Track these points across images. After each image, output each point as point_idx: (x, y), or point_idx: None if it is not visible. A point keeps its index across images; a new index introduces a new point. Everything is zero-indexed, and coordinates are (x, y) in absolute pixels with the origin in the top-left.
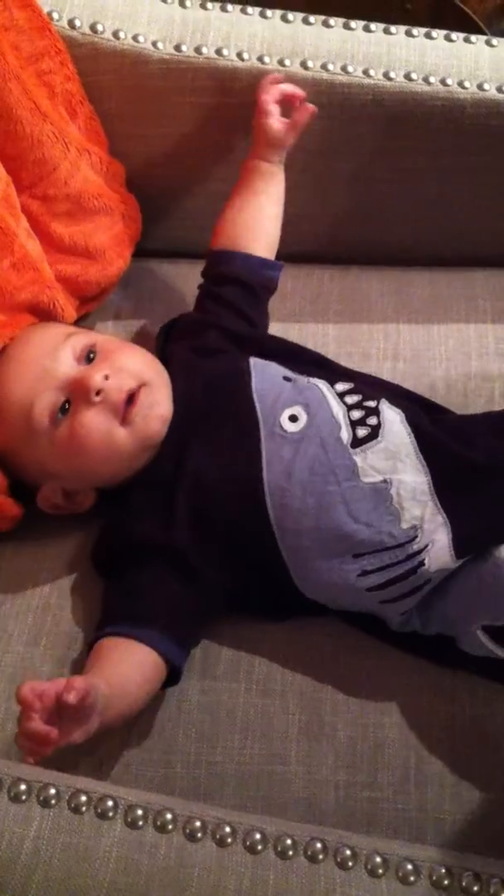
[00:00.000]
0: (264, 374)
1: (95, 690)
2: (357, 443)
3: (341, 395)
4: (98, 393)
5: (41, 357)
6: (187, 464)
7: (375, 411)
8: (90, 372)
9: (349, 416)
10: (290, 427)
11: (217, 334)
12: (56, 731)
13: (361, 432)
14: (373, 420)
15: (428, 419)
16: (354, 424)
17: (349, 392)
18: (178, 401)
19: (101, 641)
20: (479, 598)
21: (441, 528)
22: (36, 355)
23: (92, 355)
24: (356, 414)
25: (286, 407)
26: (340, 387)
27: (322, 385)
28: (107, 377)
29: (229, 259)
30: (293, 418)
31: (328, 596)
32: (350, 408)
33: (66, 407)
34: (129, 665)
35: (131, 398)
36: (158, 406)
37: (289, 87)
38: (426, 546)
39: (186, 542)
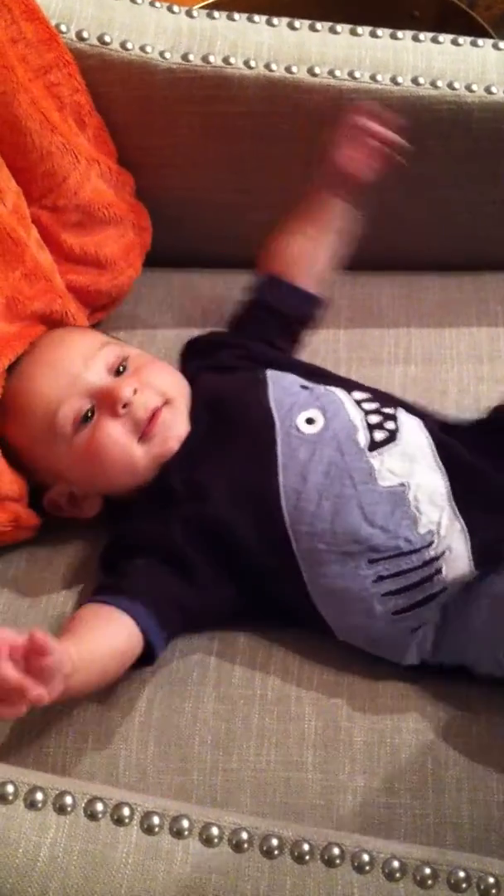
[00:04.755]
0: (281, 383)
1: (63, 651)
2: (374, 446)
3: (359, 402)
4: (125, 406)
5: (74, 362)
6: (195, 476)
7: (393, 417)
8: (120, 384)
9: (367, 420)
10: (307, 429)
11: (237, 354)
12: (31, 681)
13: (379, 435)
14: (390, 425)
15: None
16: (372, 428)
17: (366, 400)
18: (192, 417)
19: (81, 608)
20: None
21: (459, 534)
22: (69, 359)
23: (122, 368)
24: (374, 418)
25: (303, 410)
26: (358, 395)
27: (339, 392)
28: (135, 391)
29: (273, 286)
30: (310, 421)
31: (339, 607)
32: (367, 413)
33: (90, 415)
34: (105, 632)
35: (152, 416)
36: (174, 426)
37: (389, 135)
38: (443, 553)
39: (185, 548)
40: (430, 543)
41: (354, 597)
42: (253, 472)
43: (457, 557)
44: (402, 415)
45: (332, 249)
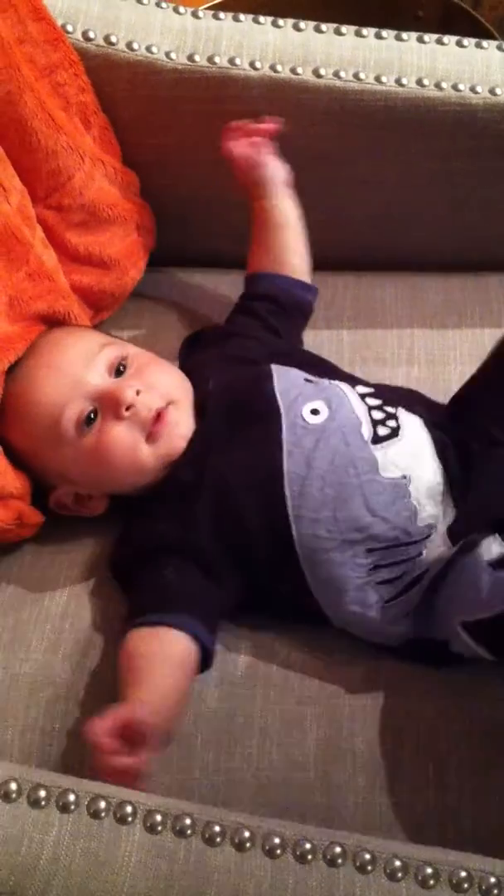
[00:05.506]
0: (285, 376)
1: (144, 711)
2: (377, 440)
3: (362, 397)
4: (128, 408)
5: (75, 363)
6: (209, 467)
7: (395, 416)
8: (122, 386)
9: (370, 415)
10: (312, 419)
11: (242, 343)
12: (139, 759)
13: (382, 431)
14: (393, 422)
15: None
16: (375, 423)
17: (370, 395)
18: (200, 410)
19: (131, 634)
20: (457, 591)
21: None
22: (69, 361)
23: (122, 368)
24: (377, 414)
25: (308, 401)
26: (361, 389)
27: (343, 386)
28: (138, 393)
29: (263, 279)
30: (315, 412)
31: (336, 597)
32: (371, 408)
33: (93, 417)
34: (167, 661)
35: (158, 416)
36: (181, 425)
37: (253, 131)
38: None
39: (207, 542)
40: (428, 536)
41: (351, 585)
42: (259, 459)
43: (438, 543)
44: (402, 413)
45: (296, 237)
